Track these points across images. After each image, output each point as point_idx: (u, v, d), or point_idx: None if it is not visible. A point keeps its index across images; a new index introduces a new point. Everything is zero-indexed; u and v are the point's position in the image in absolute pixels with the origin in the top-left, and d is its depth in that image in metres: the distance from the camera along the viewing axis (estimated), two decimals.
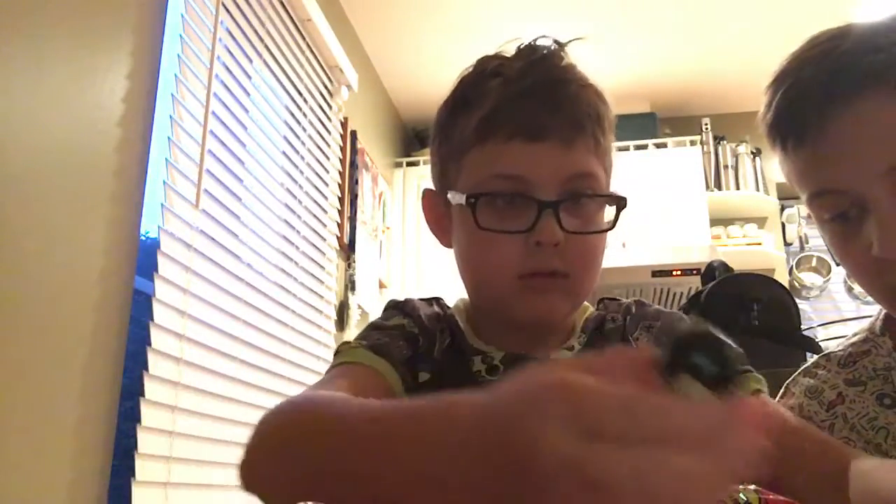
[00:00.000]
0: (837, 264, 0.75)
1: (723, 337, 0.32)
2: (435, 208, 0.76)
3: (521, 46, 0.72)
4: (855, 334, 0.82)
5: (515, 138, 0.67)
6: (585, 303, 0.77)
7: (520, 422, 0.30)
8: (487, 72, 0.71)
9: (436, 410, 0.36)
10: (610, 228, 0.70)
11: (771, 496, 0.51)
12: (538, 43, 0.72)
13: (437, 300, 0.79)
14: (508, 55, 0.72)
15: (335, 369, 0.66)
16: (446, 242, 0.75)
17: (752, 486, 0.52)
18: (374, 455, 0.38)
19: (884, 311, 0.80)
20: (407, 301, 0.76)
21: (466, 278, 0.72)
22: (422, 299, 0.78)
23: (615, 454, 0.27)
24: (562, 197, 0.66)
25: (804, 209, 0.83)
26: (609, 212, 0.71)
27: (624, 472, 0.27)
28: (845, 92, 0.65)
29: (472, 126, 0.69)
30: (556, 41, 0.72)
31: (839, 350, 0.81)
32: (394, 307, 0.75)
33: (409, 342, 0.69)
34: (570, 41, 0.72)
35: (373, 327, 0.72)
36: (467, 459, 0.32)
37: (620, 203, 0.70)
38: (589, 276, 0.69)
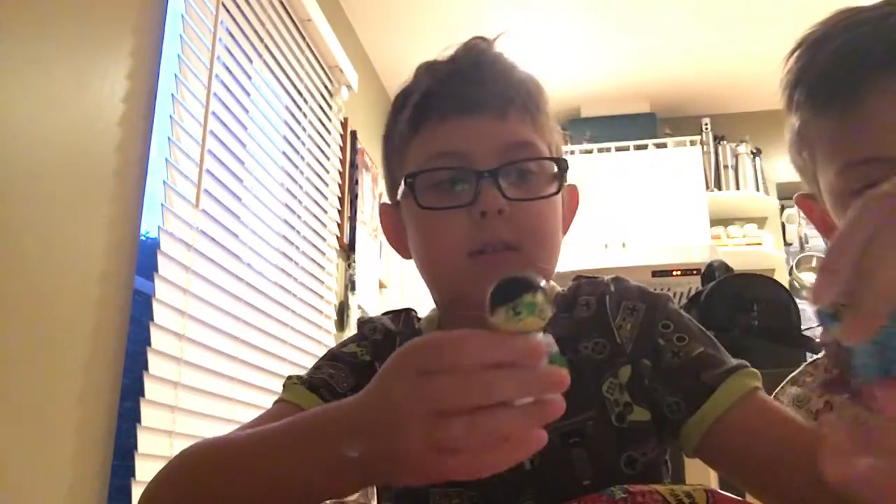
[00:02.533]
0: None
1: (535, 281, 0.40)
2: (391, 221, 0.74)
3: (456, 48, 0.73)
4: None
5: (449, 116, 0.66)
6: (553, 283, 0.73)
7: (381, 379, 0.43)
8: (419, 72, 0.72)
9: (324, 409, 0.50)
10: (555, 193, 0.67)
11: (719, 494, 0.50)
12: (470, 40, 0.72)
13: (407, 313, 0.77)
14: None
15: (272, 407, 0.69)
16: (406, 254, 0.73)
17: (701, 486, 0.51)
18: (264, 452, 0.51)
19: None
20: (369, 321, 0.75)
21: (423, 271, 0.70)
22: (389, 313, 0.77)
23: (440, 380, 0.39)
24: (501, 166, 0.65)
25: None
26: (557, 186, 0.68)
27: (446, 391, 0.39)
28: None
29: (406, 118, 0.68)
30: (484, 38, 0.72)
31: (825, 356, 0.78)
32: (358, 326, 0.76)
33: (357, 372, 0.69)
34: (497, 36, 0.72)
35: (328, 356, 0.73)
36: (344, 428, 0.45)
37: (562, 167, 0.68)
38: (543, 249, 0.66)
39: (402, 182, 0.67)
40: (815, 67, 0.67)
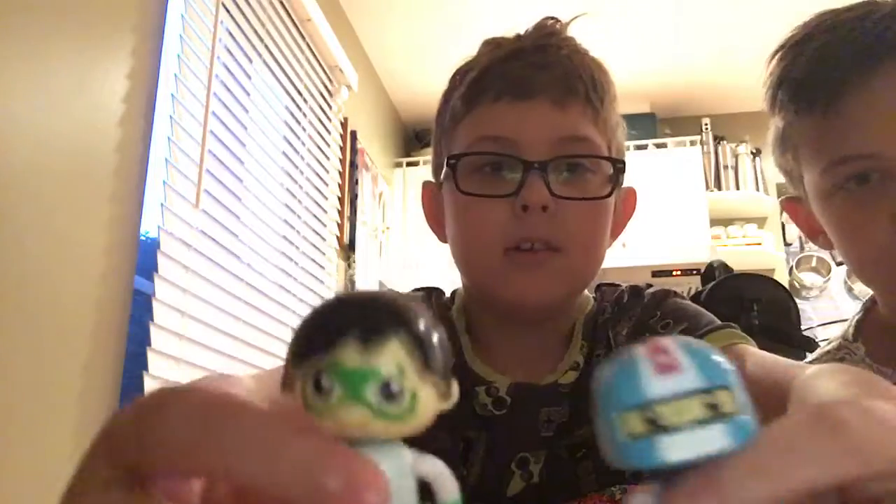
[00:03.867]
0: (839, 264, 0.71)
1: (401, 312, 0.20)
2: (432, 200, 0.70)
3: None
4: (829, 343, 0.79)
5: (502, 98, 0.62)
6: (587, 293, 0.70)
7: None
8: (481, 48, 0.68)
9: None
10: (607, 196, 0.62)
11: None
12: (541, 21, 0.68)
13: (435, 295, 0.71)
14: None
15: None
16: (442, 236, 0.69)
17: None
18: None
19: (857, 317, 0.78)
20: None
21: (455, 258, 0.66)
22: (418, 291, 0.72)
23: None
24: (552, 158, 0.60)
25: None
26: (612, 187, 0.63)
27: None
28: (886, 55, 0.62)
29: (461, 94, 0.64)
30: (557, 19, 0.68)
31: (814, 360, 0.78)
32: None
33: None
34: (572, 18, 0.68)
35: None
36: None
37: (619, 169, 0.62)
38: (587, 255, 0.62)
39: (445, 163, 0.63)
40: (797, 68, 0.68)
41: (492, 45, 0.67)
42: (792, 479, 0.19)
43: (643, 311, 0.65)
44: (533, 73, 0.62)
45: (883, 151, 0.62)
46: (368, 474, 0.17)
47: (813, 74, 0.66)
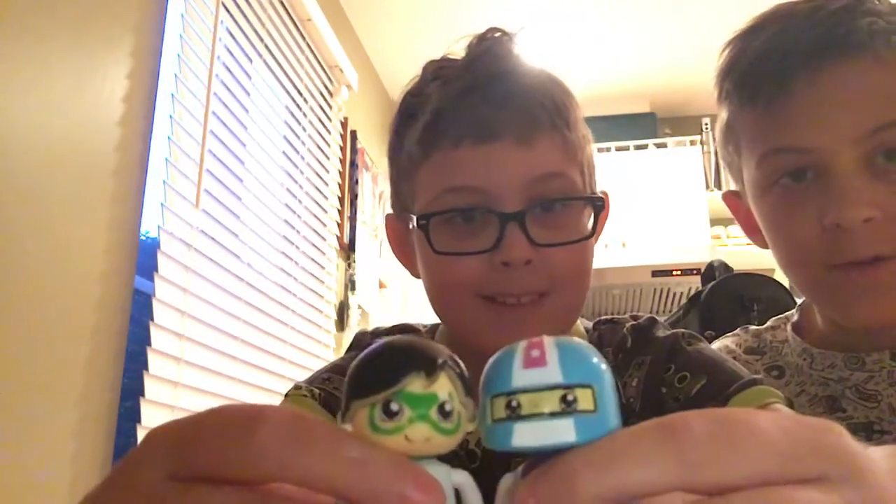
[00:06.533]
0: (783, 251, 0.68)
1: (434, 352, 0.24)
2: (398, 236, 0.67)
3: (469, 43, 0.63)
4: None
5: (463, 143, 0.57)
6: (579, 324, 0.66)
7: (126, 464, 0.25)
8: (428, 77, 0.63)
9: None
10: (589, 236, 0.59)
11: None
12: (486, 36, 0.64)
13: (415, 333, 0.68)
14: (454, 55, 0.63)
15: None
16: (415, 273, 0.65)
17: None
18: None
19: (801, 301, 0.79)
20: (372, 334, 0.69)
21: (435, 310, 0.62)
22: (393, 329, 0.70)
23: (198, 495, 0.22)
24: (527, 205, 0.56)
25: None
26: (590, 216, 0.60)
27: None
28: (835, 50, 0.61)
29: (416, 138, 0.60)
30: (503, 32, 0.63)
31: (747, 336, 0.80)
32: (357, 341, 0.69)
33: None
34: (518, 30, 0.64)
35: (333, 369, 0.66)
36: None
37: (597, 205, 0.59)
38: (577, 290, 0.59)
39: (414, 221, 0.59)
40: (745, 58, 0.67)
41: (440, 79, 0.61)
42: (619, 480, 0.20)
43: (655, 360, 0.61)
44: (492, 112, 0.57)
45: (819, 147, 0.61)
46: (433, 483, 0.22)
47: (759, 65, 0.65)
